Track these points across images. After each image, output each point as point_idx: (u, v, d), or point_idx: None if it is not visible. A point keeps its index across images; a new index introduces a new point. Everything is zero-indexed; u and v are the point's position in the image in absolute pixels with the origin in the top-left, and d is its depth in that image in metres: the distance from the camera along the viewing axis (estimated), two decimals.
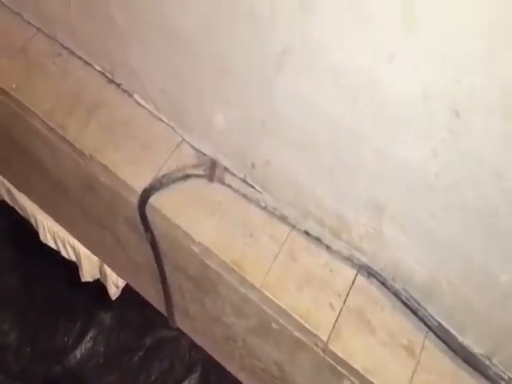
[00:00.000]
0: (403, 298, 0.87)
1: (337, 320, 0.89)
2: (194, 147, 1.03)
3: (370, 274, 0.90)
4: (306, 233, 0.93)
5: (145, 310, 1.62)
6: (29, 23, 1.16)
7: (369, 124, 0.70)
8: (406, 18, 0.55)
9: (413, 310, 0.86)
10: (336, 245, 0.92)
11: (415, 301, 0.86)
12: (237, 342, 1.23)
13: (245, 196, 0.97)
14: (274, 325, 0.97)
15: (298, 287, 0.92)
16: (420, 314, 0.86)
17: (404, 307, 0.88)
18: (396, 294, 0.88)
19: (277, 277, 0.92)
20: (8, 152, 1.44)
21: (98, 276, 1.69)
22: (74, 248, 1.62)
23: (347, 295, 0.91)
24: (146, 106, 1.06)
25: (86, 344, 1.72)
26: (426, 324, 0.86)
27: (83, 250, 1.61)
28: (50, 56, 1.13)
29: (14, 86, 1.09)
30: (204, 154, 1.02)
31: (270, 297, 0.91)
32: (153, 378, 1.68)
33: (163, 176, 0.98)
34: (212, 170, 0.98)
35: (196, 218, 0.97)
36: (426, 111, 0.62)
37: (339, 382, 0.93)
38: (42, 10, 1.09)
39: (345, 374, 0.90)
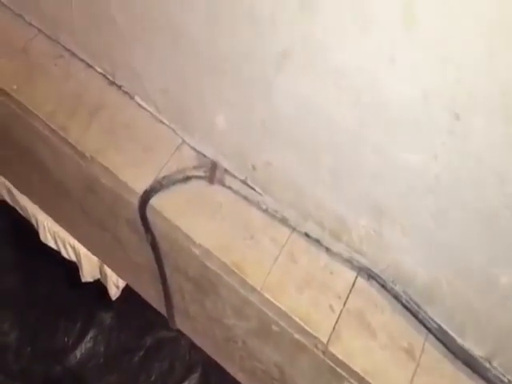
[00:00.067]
0: (403, 301, 0.87)
1: (337, 322, 0.89)
2: (194, 149, 1.03)
3: (370, 276, 0.90)
4: (307, 235, 0.93)
5: (145, 310, 1.62)
6: (30, 24, 1.16)
7: (369, 125, 0.70)
8: (406, 18, 0.55)
9: (413, 312, 0.86)
10: (336, 247, 0.92)
11: (415, 303, 0.86)
12: (237, 343, 1.23)
13: (245, 198, 0.97)
14: (274, 327, 0.97)
15: (298, 289, 0.92)
16: (420, 316, 0.86)
17: (404, 309, 0.88)
18: (396, 297, 0.88)
19: (277, 279, 0.92)
20: (9, 153, 1.44)
21: (98, 276, 1.69)
22: (74, 248, 1.62)
23: (347, 297, 0.91)
24: (147, 108, 1.06)
25: (86, 344, 1.72)
26: (425, 326, 0.86)
27: (83, 251, 1.61)
28: (52, 57, 1.13)
29: (14, 87, 1.09)
30: (204, 156, 1.02)
31: (271, 299, 0.91)
32: (153, 378, 1.68)
33: (164, 178, 0.98)
34: (212, 172, 0.98)
35: (196, 220, 0.97)
36: (426, 112, 0.62)
37: None
38: (43, 11, 1.09)
39: (345, 376, 0.90)
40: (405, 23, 0.56)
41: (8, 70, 1.11)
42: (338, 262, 0.93)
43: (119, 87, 1.09)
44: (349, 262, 0.92)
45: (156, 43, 0.90)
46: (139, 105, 1.07)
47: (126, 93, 1.08)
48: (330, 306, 0.90)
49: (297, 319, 0.90)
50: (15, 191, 1.66)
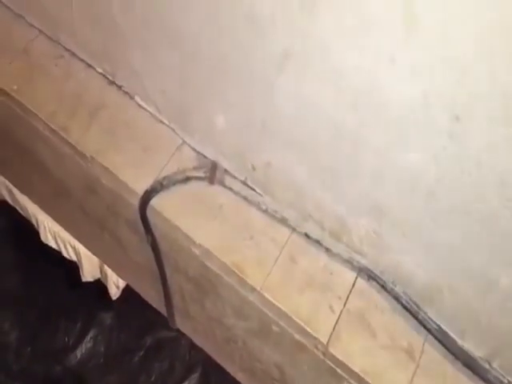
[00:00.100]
0: (403, 301, 0.87)
1: (337, 323, 0.89)
2: (194, 149, 1.03)
3: (370, 276, 0.90)
4: (307, 235, 0.93)
5: (145, 310, 1.62)
6: (31, 25, 1.16)
7: (369, 125, 0.70)
8: (407, 18, 0.55)
9: (413, 313, 0.86)
10: (336, 247, 0.92)
11: (415, 304, 0.86)
12: (237, 343, 1.23)
13: (245, 198, 0.97)
14: (274, 327, 0.97)
15: (298, 290, 0.92)
16: (420, 317, 0.86)
17: (404, 310, 0.88)
18: (396, 297, 0.88)
19: (277, 279, 0.92)
20: (9, 153, 1.44)
21: (98, 276, 1.69)
22: (74, 248, 1.62)
23: (347, 298, 0.91)
24: (147, 108, 1.06)
25: (87, 344, 1.72)
26: (425, 327, 0.86)
27: (84, 250, 1.61)
28: (52, 58, 1.13)
29: (15, 87, 1.09)
30: (205, 157, 1.02)
31: (271, 299, 0.91)
32: (153, 378, 1.68)
33: (164, 178, 0.98)
34: (212, 173, 0.98)
35: (196, 220, 0.97)
36: (426, 112, 0.62)
37: None
38: (44, 12, 1.09)
39: (345, 376, 0.90)
40: (405, 23, 0.56)
41: (9, 71, 1.11)
42: (337, 263, 0.93)
43: (119, 87, 1.09)
44: (349, 263, 0.92)
45: (156, 43, 0.90)
46: (139, 105, 1.07)
47: (126, 93, 1.09)
48: (330, 307, 0.90)
49: (297, 319, 0.89)
50: (15, 191, 1.66)
